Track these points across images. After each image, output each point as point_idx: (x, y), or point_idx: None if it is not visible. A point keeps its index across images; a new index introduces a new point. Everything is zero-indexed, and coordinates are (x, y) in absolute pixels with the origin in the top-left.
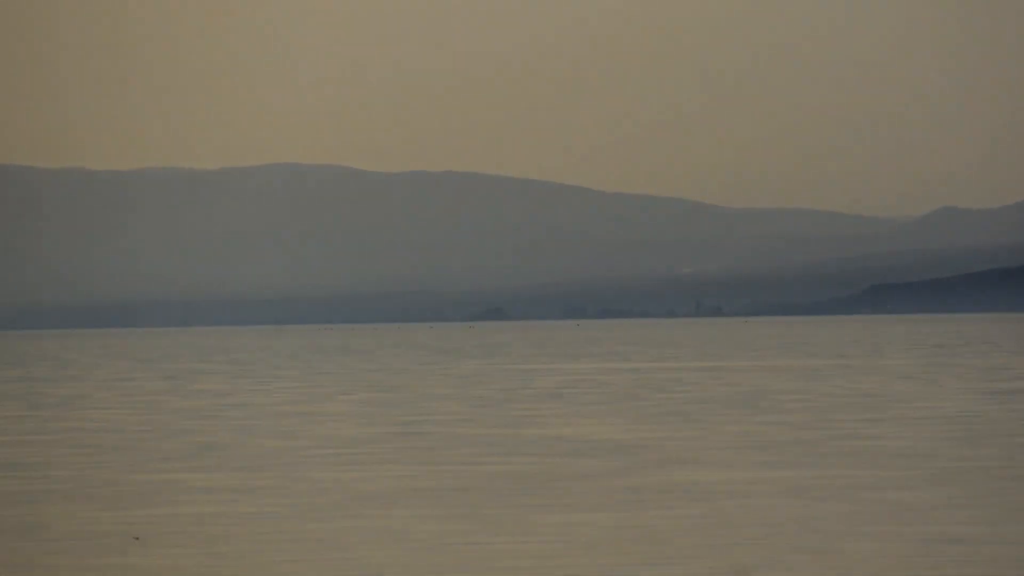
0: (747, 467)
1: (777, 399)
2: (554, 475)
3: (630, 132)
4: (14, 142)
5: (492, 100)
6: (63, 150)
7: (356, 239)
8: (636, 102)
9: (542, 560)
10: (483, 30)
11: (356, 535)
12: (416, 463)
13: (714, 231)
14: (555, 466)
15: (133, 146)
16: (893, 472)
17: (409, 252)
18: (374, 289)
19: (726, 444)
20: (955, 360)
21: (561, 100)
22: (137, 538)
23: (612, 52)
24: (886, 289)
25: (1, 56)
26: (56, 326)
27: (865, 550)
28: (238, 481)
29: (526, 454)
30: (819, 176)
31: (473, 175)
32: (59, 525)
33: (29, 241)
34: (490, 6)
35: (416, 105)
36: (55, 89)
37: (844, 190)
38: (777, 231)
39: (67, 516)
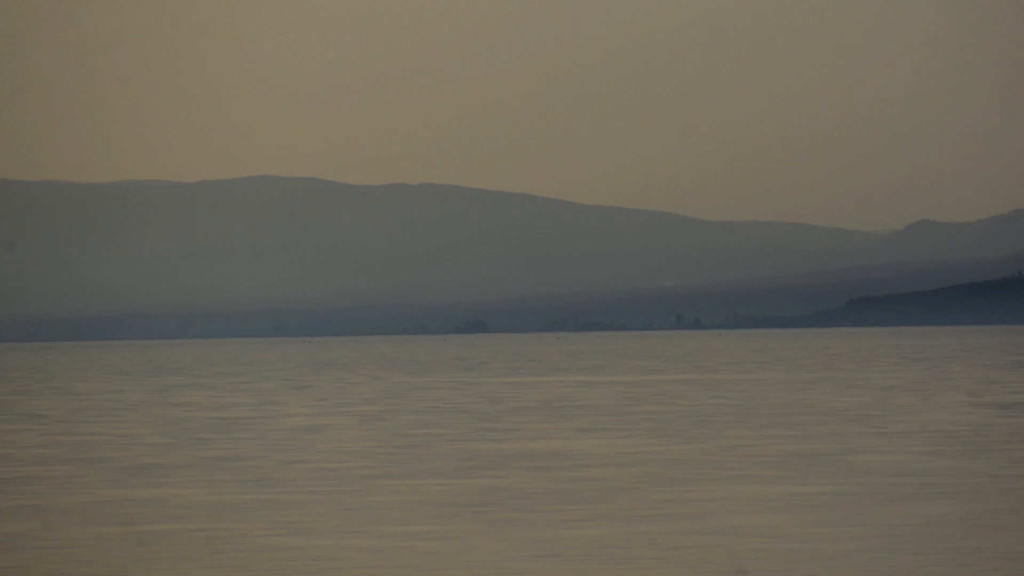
0: (752, 481)
1: (767, 412)
2: (557, 489)
3: (610, 145)
4: None
5: (472, 113)
6: (42, 163)
7: (335, 251)
8: (617, 115)
9: (553, 573)
10: (461, 46)
11: (370, 550)
12: (425, 477)
13: (695, 244)
14: (555, 480)
15: (112, 158)
16: (895, 485)
17: (389, 264)
18: (353, 302)
19: (726, 458)
20: (942, 373)
21: (541, 114)
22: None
23: (591, 65)
24: (866, 302)
25: None
26: (30, 339)
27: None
28: (253, 495)
29: (526, 468)
30: (799, 189)
31: (452, 188)
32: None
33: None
34: (469, 22)
35: (395, 117)
36: (36, 101)
37: (824, 204)
38: (757, 244)
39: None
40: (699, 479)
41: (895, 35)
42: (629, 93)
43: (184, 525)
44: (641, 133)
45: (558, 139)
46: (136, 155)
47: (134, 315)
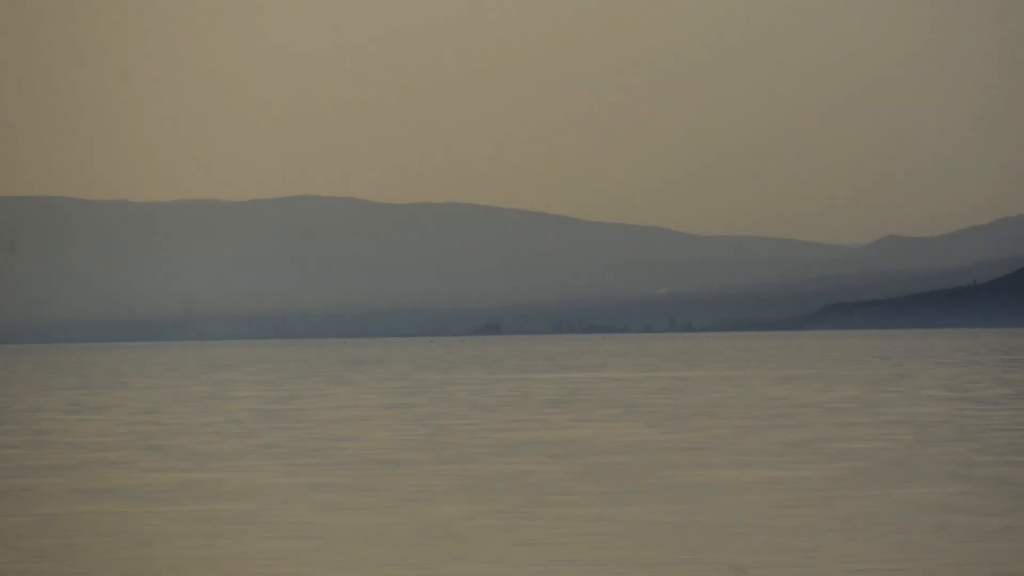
0: (756, 467)
1: (759, 404)
2: (579, 472)
3: (612, 167)
4: (66, 175)
5: (488, 139)
6: (109, 184)
7: (369, 263)
8: (618, 143)
9: (575, 551)
10: (474, 81)
11: (410, 529)
12: (454, 462)
13: (686, 256)
14: (577, 465)
15: (169, 179)
16: (882, 470)
17: (415, 274)
18: (384, 307)
19: (731, 446)
20: (909, 370)
21: (551, 140)
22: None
23: (594, 98)
24: (838, 308)
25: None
26: (104, 339)
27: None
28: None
29: (549, 455)
30: (780, 207)
31: (473, 206)
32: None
33: (81, 266)
34: (477, 53)
35: (421, 142)
36: (111, 124)
37: (802, 220)
38: (742, 256)
39: None
40: (705, 464)
41: (868, 65)
42: (630, 125)
43: (242, 505)
44: (639, 157)
45: (564, 163)
46: (193, 177)
47: (187, 319)
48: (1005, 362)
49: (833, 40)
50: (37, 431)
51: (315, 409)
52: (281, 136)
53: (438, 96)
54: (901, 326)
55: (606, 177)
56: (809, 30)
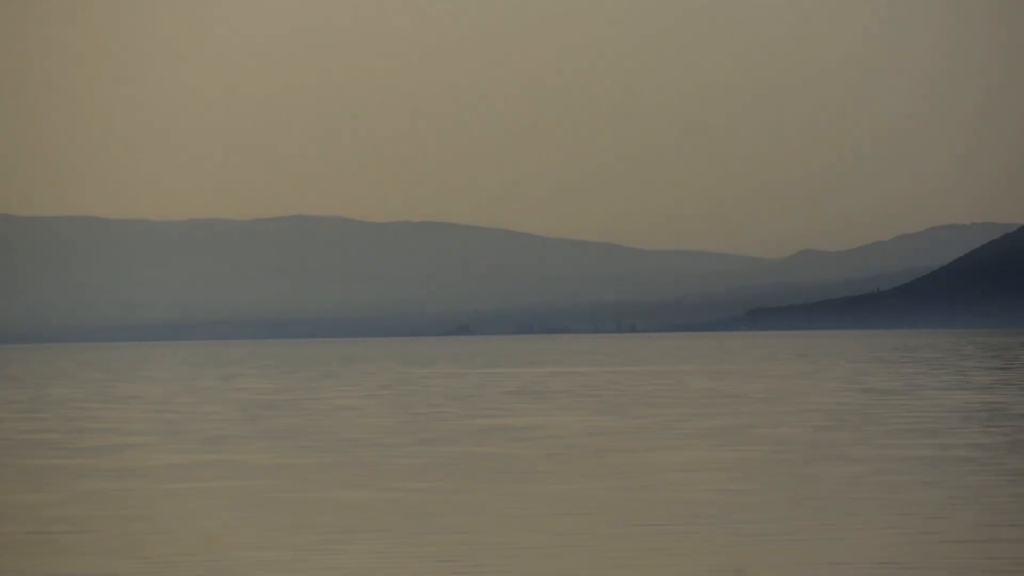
0: (691, 449)
1: (695, 395)
2: (532, 455)
3: (565, 189)
4: (94, 194)
5: (458, 162)
6: (130, 203)
7: (356, 274)
8: (572, 165)
9: (531, 519)
10: (439, 116)
11: (384, 505)
12: (431, 444)
13: (631, 268)
14: (531, 448)
15: (184, 198)
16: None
17: (395, 283)
18: (370, 313)
19: (674, 431)
20: (824, 367)
21: (514, 164)
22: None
23: (553, 126)
24: (761, 312)
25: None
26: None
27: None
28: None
29: (512, 440)
30: (710, 225)
31: (445, 224)
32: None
33: (95, 277)
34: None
35: (401, 165)
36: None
37: (729, 236)
38: (679, 268)
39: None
40: (646, 447)
41: (775, 91)
42: (582, 149)
43: (247, 482)
44: (589, 180)
45: (527, 185)
46: (205, 196)
47: (198, 322)
48: (902, 359)
49: (753, 58)
50: (72, 419)
51: (309, 400)
52: (277, 160)
53: (411, 123)
54: (815, 328)
55: (562, 198)
56: (730, 49)
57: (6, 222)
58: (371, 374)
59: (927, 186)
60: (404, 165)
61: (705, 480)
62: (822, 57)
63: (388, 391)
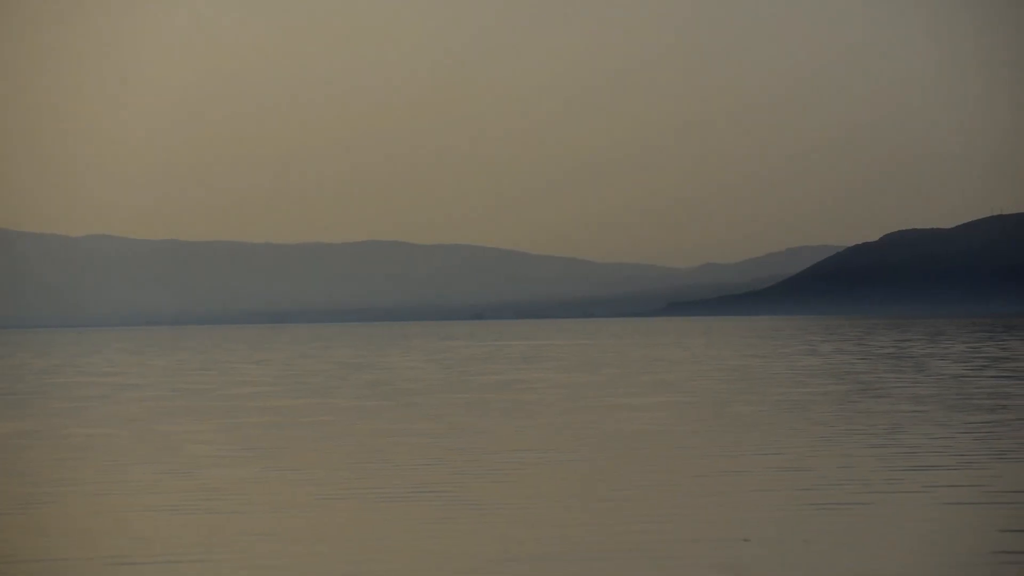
0: (647, 395)
1: (636, 360)
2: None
3: (516, 201)
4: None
5: (413, 185)
6: (159, 223)
7: (407, 277)
8: (519, 184)
9: (503, 442)
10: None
11: (402, 447)
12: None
13: (590, 273)
14: (532, 395)
15: (207, 222)
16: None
17: (433, 284)
18: (414, 303)
19: (620, 384)
20: (723, 342)
21: (461, 187)
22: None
23: (485, 155)
24: (677, 305)
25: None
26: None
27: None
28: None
29: (518, 390)
30: (643, 241)
31: (465, 245)
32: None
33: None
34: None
35: (447, 196)
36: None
37: (656, 249)
38: (623, 273)
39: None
40: (609, 395)
41: (664, 126)
42: (517, 169)
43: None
44: (538, 195)
45: (526, 212)
46: (240, 217)
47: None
48: (769, 337)
49: (677, 93)
50: (244, 374)
51: (384, 362)
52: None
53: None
54: (716, 316)
55: (551, 222)
56: (658, 82)
57: None
58: (419, 347)
59: (792, 213)
60: (449, 196)
61: (641, 415)
62: (738, 93)
63: (434, 357)
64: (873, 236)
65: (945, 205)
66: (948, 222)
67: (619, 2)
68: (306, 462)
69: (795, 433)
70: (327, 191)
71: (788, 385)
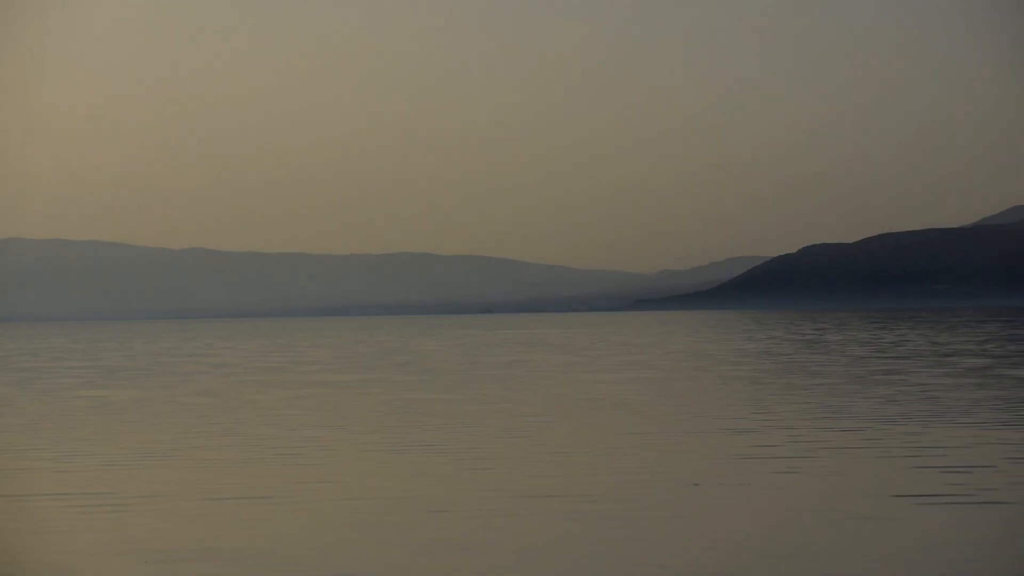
0: (615, 372)
1: (599, 344)
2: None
3: (518, 222)
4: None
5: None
6: (189, 232)
7: (427, 284)
8: (520, 208)
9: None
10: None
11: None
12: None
13: (576, 279)
14: (530, 370)
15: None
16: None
17: (452, 287)
18: (434, 301)
19: (598, 362)
20: (678, 330)
21: (476, 209)
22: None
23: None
24: (643, 301)
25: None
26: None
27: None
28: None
29: (522, 368)
30: (613, 251)
31: (478, 256)
32: None
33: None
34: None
35: (466, 210)
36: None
37: (625, 259)
38: (600, 278)
39: None
40: (589, 371)
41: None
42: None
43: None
44: (522, 218)
45: (525, 224)
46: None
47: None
48: (714, 327)
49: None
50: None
51: (413, 345)
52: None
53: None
54: (673, 310)
55: (534, 231)
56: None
57: None
58: (442, 335)
59: (729, 231)
60: (466, 216)
61: (617, 387)
62: (678, 112)
63: (456, 342)
64: (793, 248)
65: (849, 222)
66: (851, 237)
67: (581, 11)
68: (357, 420)
69: (739, 401)
70: (376, 213)
71: (732, 364)
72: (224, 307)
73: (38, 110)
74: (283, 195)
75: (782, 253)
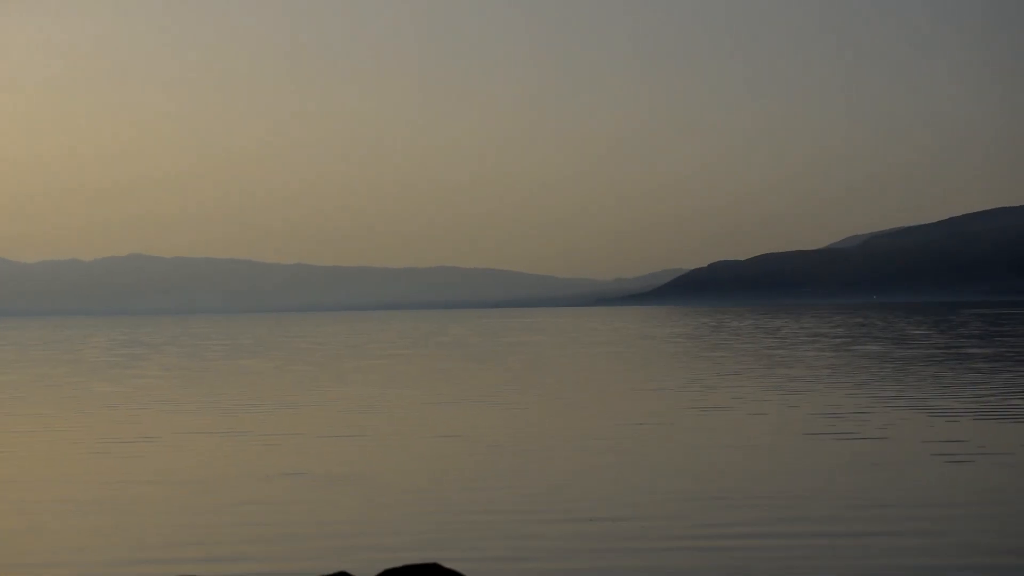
0: (593, 347)
1: (574, 328)
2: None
3: (513, 241)
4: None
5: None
6: (195, 242)
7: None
8: (516, 230)
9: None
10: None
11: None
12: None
13: (554, 284)
14: (528, 351)
15: (228, 239)
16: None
17: (463, 289)
18: (447, 301)
19: (578, 344)
20: (620, 324)
21: (488, 229)
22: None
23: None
24: (604, 300)
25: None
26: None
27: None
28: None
29: (526, 351)
30: (585, 263)
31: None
32: None
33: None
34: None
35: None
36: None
37: (590, 268)
38: (572, 284)
39: None
40: (564, 347)
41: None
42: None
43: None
44: (516, 239)
45: (522, 238)
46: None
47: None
48: (662, 323)
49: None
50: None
51: (436, 334)
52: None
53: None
54: (626, 306)
55: (525, 249)
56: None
57: None
58: (464, 324)
59: (656, 243)
60: (479, 237)
61: (593, 362)
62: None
63: (474, 329)
64: (704, 263)
65: (743, 243)
66: (744, 256)
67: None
68: (408, 382)
69: (692, 372)
70: (421, 236)
71: (677, 345)
72: (319, 304)
73: None
74: (359, 221)
75: (697, 267)
